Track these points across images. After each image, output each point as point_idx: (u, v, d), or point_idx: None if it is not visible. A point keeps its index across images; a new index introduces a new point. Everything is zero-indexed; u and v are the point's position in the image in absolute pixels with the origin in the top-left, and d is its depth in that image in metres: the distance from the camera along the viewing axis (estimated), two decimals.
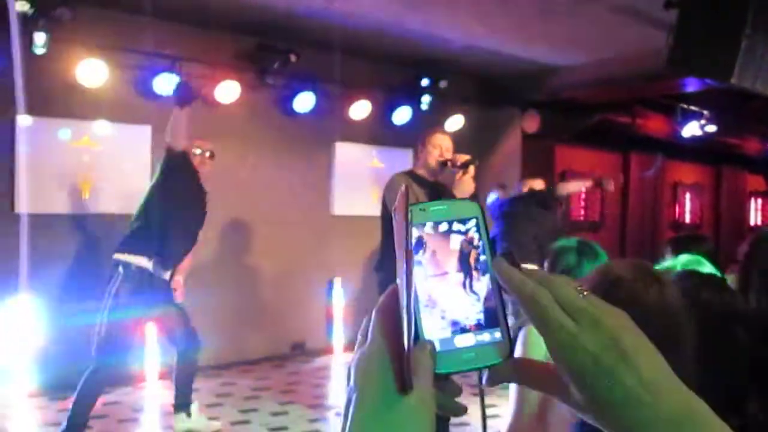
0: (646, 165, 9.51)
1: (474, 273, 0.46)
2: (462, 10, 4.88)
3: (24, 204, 4.59)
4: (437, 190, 3.69)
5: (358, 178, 6.42)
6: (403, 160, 6.58)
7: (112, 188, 5.01)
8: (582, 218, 8.78)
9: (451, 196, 3.54)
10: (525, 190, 5.25)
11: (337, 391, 5.33)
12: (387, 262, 3.88)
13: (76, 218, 4.87)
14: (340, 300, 6.26)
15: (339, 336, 6.24)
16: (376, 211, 6.54)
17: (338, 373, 5.82)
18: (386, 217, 3.78)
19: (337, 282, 6.27)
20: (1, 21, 4.28)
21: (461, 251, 0.46)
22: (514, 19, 5.04)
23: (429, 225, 0.46)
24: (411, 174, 3.82)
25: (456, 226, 0.46)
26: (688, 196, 10.62)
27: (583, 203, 8.78)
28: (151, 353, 5.03)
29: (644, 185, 9.57)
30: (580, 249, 2.18)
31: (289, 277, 6.02)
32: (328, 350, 6.20)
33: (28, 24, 4.28)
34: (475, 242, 0.46)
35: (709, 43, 3.69)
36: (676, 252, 2.65)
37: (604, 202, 9.09)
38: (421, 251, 0.46)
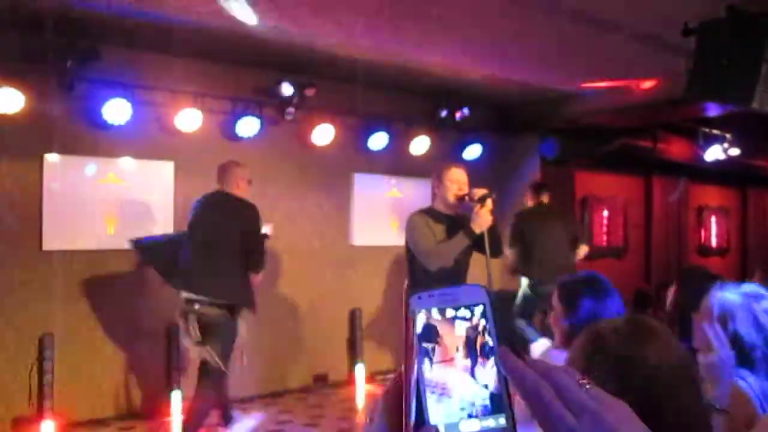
0: (669, 189, 9.41)
1: (480, 359, 0.46)
2: (478, 41, 4.92)
3: (52, 241, 4.67)
4: (456, 223, 3.72)
5: (377, 209, 6.45)
6: (421, 190, 6.59)
7: (137, 224, 5.08)
8: (605, 244, 8.67)
9: (470, 231, 3.57)
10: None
11: (361, 423, 5.28)
12: None
13: (101, 254, 4.94)
14: (361, 331, 6.23)
15: (361, 367, 6.20)
16: (395, 241, 6.56)
17: (361, 405, 5.76)
18: (410, 256, 3.81)
19: (358, 312, 6.25)
20: (32, 62, 4.43)
21: (467, 337, 0.46)
22: (531, 50, 5.07)
23: (435, 310, 0.47)
24: (428, 211, 3.86)
25: (462, 312, 0.47)
26: (713, 219, 10.46)
27: (605, 229, 8.69)
28: (176, 387, 5.04)
29: (668, 209, 9.45)
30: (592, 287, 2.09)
31: (309, 308, 6.02)
32: (350, 381, 6.16)
33: (56, 64, 4.41)
34: (480, 328, 0.47)
35: (729, 69, 3.67)
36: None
37: (628, 227, 8.99)
38: (428, 337, 0.46)
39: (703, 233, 10.30)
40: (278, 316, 5.82)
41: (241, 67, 5.49)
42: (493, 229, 3.64)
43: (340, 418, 5.22)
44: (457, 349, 0.46)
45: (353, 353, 6.22)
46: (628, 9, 4.14)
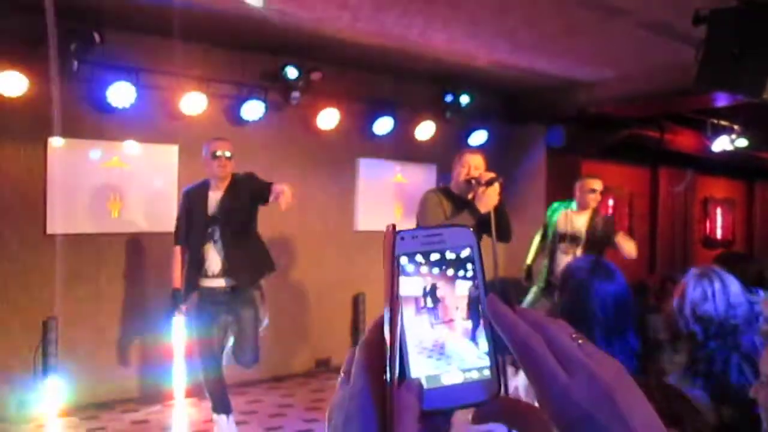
0: (675, 180, 9.36)
1: (470, 319, 0.44)
2: (486, 27, 4.87)
3: (56, 225, 4.68)
4: (464, 204, 3.74)
5: (382, 194, 6.43)
6: (426, 175, 6.58)
7: (141, 207, 5.09)
8: None
9: (474, 210, 3.59)
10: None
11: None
12: None
13: (106, 238, 4.95)
14: (364, 316, 6.24)
15: None
16: (400, 226, 6.54)
17: None
18: None
19: (362, 297, 6.27)
20: (35, 45, 4.41)
21: (469, 297, 0.44)
22: (538, 35, 5.02)
23: (427, 268, 0.44)
24: (443, 190, 3.95)
25: (453, 271, 0.44)
26: (719, 211, 10.41)
27: None
28: (179, 371, 5.07)
29: (674, 201, 9.41)
30: (592, 268, 2.09)
31: (313, 293, 6.04)
32: None
33: (60, 48, 4.39)
34: (473, 286, 0.44)
35: (739, 58, 3.62)
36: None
37: (633, 217, 8.95)
38: (416, 293, 0.44)
39: (708, 225, 10.26)
40: (282, 301, 5.83)
41: (246, 51, 5.46)
42: (501, 213, 3.66)
43: None
44: (458, 309, 0.44)
45: (356, 338, 6.24)
46: None
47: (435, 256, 0.44)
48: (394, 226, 0.44)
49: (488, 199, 3.61)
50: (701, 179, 9.85)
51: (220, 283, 4.00)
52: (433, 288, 0.44)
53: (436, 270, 0.44)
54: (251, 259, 4.11)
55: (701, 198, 10.07)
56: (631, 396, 0.41)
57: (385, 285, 0.43)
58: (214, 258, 3.98)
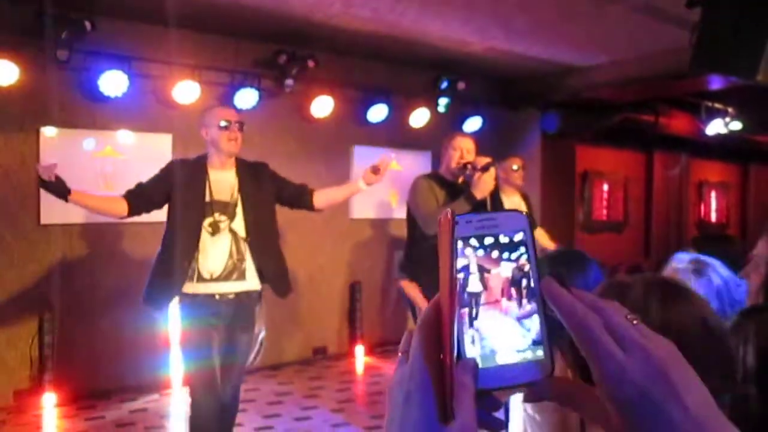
0: (670, 164, 9.38)
1: (525, 302, 0.46)
2: (480, 12, 4.85)
3: (50, 215, 4.66)
4: (459, 190, 3.74)
5: None
6: (421, 162, 6.57)
7: None
8: (605, 218, 8.67)
9: (471, 196, 3.59)
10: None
11: (361, 395, 5.33)
12: (411, 263, 3.93)
13: (99, 227, 4.93)
14: (361, 303, 6.26)
15: (360, 340, 6.24)
16: (394, 214, 6.57)
17: (360, 377, 5.82)
18: (411, 220, 3.88)
19: (358, 286, 6.27)
20: (27, 34, 4.37)
21: (513, 279, 0.46)
22: (533, 21, 4.99)
23: (480, 251, 0.46)
24: (434, 176, 3.93)
25: (507, 254, 0.46)
26: (713, 194, 10.45)
27: (605, 203, 8.68)
28: (176, 359, 5.08)
29: (669, 184, 9.43)
30: (558, 258, 1.99)
31: (309, 281, 6.04)
32: (349, 354, 6.20)
33: (51, 36, 4.35)
34: (526, 269, 0.46)
35: (734, 41, 3.62)
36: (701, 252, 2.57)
37: (628, 201, 8.98)
38: (469, 276, 0.45)
39: (702, 208, 10.30)
40: None
41: (240, 39, 5.42)
42: (496, 198, 3.68)
43: (339, 390, 5.26)
44: (511, 291, 0.46)
45: (353, 326, 6.26)
46: None
47: (489, 240, 0.46)
48: (452, 212, 0.45)
49: (484, 185, 3.62)
50: (696, 163, 9.87)
51: (222, 289, 3.18)
52: (487, 270, 0.46)
53: (489, 253, 0.46)
54: (281, 264, 3.41)
55: (696, 181, 10.09)
56: (685, 374, 0.42)
57: (441, 268, 0.44)
58: (216, 255, 3.17)
